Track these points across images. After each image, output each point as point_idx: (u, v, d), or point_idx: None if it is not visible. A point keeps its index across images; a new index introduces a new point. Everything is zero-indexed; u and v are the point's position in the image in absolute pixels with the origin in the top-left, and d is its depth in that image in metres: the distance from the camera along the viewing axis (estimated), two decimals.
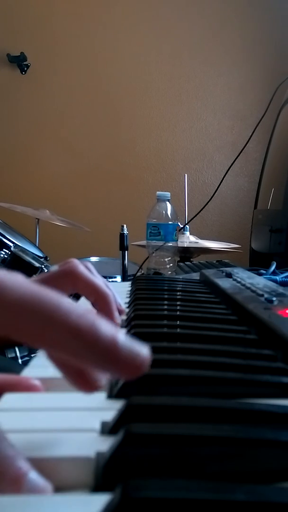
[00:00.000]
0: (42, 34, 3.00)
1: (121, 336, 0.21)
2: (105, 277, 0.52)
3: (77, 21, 3.01)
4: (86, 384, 0.24)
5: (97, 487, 0.21)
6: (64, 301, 0.21)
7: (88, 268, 0.49)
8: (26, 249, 1.70)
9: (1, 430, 0.21)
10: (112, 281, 1.58)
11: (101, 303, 0.48)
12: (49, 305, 0.21)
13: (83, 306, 0.21)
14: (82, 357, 0.21)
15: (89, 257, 2.10)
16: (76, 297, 0.57)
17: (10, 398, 0.29)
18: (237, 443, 0.22)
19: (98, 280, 0.48)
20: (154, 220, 1.10)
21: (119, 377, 0.21)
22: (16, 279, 0.21)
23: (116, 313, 0.50)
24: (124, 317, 0.53)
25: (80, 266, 0.48)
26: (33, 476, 0.21)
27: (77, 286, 0.48)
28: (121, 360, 0.20)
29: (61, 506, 0.19)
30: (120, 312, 0.53)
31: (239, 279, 0.67)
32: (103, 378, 0.25)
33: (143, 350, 0.21)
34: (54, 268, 0.49)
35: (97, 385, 0.24)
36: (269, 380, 0.31)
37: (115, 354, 0.20)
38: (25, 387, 0.31)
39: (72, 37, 3.01)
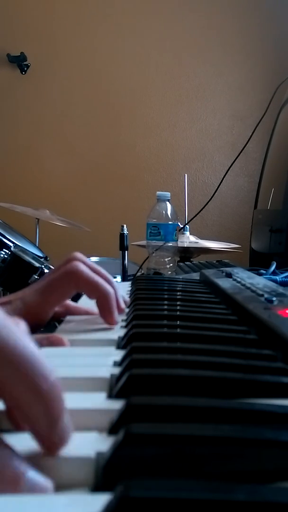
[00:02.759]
0: (42, 34, 3.01)
1: (64, 416, 0.22)
2: None
3: (77, 21, 3.01)
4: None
5: (97, 487, 0.21)
6: (39, 361, 0.22)
7: (89, 265, 0.50)
8: (26, 249, 1.70)
9: None
10: None
11: (102, 301, 0.49)
12: (26, 363, 0.22)
13: (52, 369, 0.23)
14: (30, 417, 0.22)
15: (89, 257, 2.10)
16: (77, 295, 0.58)
17: None
18: (237, 443, 0.22)
19: (99, 278, 0.48)
20: (154, 220, 1.10)
21: (42, 443, 0.23)
22: (17, 338, 0.22)
23: (115, 312, 0.50)
24: (124, 317, 0.53)
25: (81, 265, 0.48)
26: (32, 475, 0.20)
27: (79, 286, 0.48)
28: (56, 436, 0.22)
29: (61, 506, 0.19)
30: (125, 303, 0.53)
31: (239, 279, 0.67)
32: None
33: (68, 438, 0.23)
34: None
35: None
36: (269, 380, 0.31)
37: (54, 429, 0.22)
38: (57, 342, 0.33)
39: (72, 37, 3.01)
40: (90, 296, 0.49)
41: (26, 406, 0.22)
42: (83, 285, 0.48)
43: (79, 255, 0.51)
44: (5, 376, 0.21)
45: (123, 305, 0.52)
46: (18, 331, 0.22)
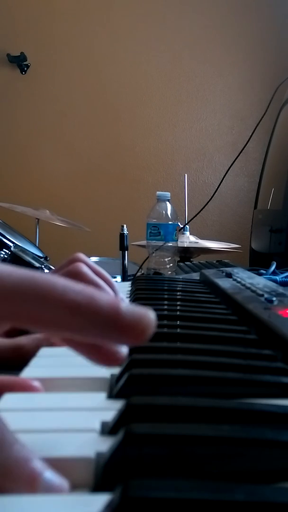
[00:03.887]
0: (42, 34, 3.00)
1: (122, 303, 0.20)
2: None
3: (77, 21, 3.01)
4: (106, 359, 0.24)
5: (97, 487, 0.21)
6: (59, 280, 0.21)
7: (91, 266, 0.50)
8: (26, 249, 1.70)
9: (11, 434, 0.21)
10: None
11: None
12: (45, 286, 0.20)
13: (80, 285, 0.21)
14: (86, 332, 0.20)
15: (89, 257, 2.09)
16: None
17: (9, 398, 0.29)
18: (237, 443, 0.22)
19: (101, 282, 0.48)
20: (154, 220, 1.10)
21: (127, 344, 0.21)
22: (7, 267, 0.21)
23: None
24: None
25: (83, 267, 0.48)
26: (49, 475, 0.20)
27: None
28: (125, 327, 0.20)
29: (61, 506, 0.19)
30: None
31: (239, 279, 0.67)
32: (122, 350, 0.24)
33: (146, 313, 0.21)
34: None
35: (117, 357, 0.24)
36: (269, 380, 0.31)
37: (118, 322, 0.20)
38: (23, 388, 0.31)
39: (72, 37, 3.01)
40: None
41: (71, 327, 0.20)
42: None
43: (82, 256, 0.51)
44: (22, 306, 0.20)
45: None
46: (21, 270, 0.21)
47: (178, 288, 0.70)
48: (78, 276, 0.48)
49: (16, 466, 0.20)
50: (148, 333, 0.20)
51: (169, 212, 1.11)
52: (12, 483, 0.20)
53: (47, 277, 0.21)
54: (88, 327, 0.20)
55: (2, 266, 0.21)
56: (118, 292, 0.52)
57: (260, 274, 0.82)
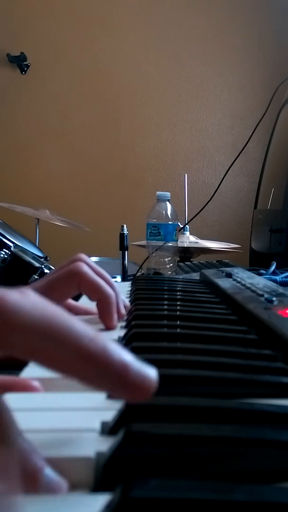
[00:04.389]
0: (42, 34, 3.01)
1: (132, 360, 0.21)
2: None
3: (77, 21, 3.01)
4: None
5: (97, 487, 0.21)
6: (75, 324, 0.21)
7: (92, 267, 0.50)
8: (26, 249, 1.70)
9: (16, 426, 0.21)
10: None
11: (103, 304, 0.49)
12: (62, 328, 0.21)
13: (93, 330, 0.21)
14: (93, 381, 0.21)
15: (89, 257, 2.09)
16: (78, 295, 0.58)
17: (9, 398, 0.29)
18: (237, 443, 0.22)
19: (101, 281, 0.49)
20: (154, 220, 1.10)
21: (127, 399, 0.21)
22: (30, 300, 0.21)
23: (115, 316, 0.50)
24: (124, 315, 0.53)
25: (84, 266, 0.49)
26: (49, 472, 0.21)
27: (81, 286, 0.48)
28: (132, 385, 0.20)
29: (61, 506, 0.19)
30: (125, 308, 0.53)
31: (239, 279, 0.67)
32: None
33: (151, 373, 0.21)
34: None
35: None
36: (269, 380, 0.31)
37: (126, 379, 0.20)
38: (23, 388, 0.31)
39: (72, 37, 3.01)
40: (92, 298, 0.49)
41: (79, 375, 0.21)
42: (85, 286, 0.48)
43: (83, 256, 0.51)
44: (37, 345, 0.20)
45: (123, 311, 0.52)
46: (45, 303, 0.22)
47: (178, 288, 0.70)
48: (78, 276, 0.48)
49: (18, 459, 0.20)
50: (150, 392, 0.21)
51: (169, 212, 1.11)
52: (13, 476, 0.20)
53: (65, 318, 0.21)
54: (95, 377, 0.21)
55: (28, 299, 0.21)
56: (119, 294, 0.52)
57: (260, 274, 0.82)
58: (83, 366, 0.20)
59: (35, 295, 0.22)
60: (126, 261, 1.43)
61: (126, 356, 0.21)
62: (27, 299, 0.21)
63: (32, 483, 0.20)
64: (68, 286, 0.49)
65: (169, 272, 1.10)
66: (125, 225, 1.42)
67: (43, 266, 1.64)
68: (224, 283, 0.65)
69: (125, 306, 0.53)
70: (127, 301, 0.55)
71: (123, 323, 0.51)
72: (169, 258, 1.11)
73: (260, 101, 2.81)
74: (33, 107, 3.02)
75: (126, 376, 0.20)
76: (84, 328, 0.21)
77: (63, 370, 0.21)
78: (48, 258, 1.87)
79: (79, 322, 0.21)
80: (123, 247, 1.42)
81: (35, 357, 0.21)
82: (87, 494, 0.21)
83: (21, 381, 0.32)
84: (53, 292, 0.49)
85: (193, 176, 3.02)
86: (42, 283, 0.50)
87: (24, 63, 2.98)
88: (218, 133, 3.08)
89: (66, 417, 0.27)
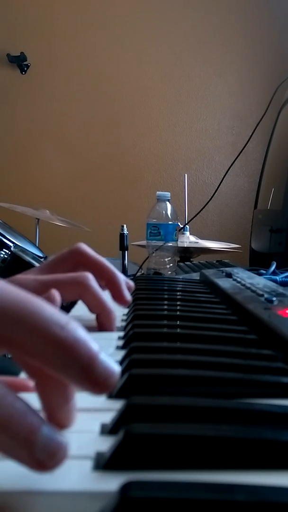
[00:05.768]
0: (42, 34, 3.00)
1: (98, 354, 0.21)
2: None
3: (77, 21, 3.01)
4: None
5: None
6: (47, 310, 0.21)
7: (91, 255, 0.51)
8: (26, 249, 1.70)
9: (4, 383, 0.21)
10: None
11: (103, 319, 0.48)
12: (33, 314, 0.20)
13: (65, 316, 0.21)
14: (59, 370, 0.21)
15: None
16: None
17: None
18: (237, 443, 0.22)
19: (104, 297, 0.48)
20: (154, 220, 1.10)
21: (89, 391, 0.21)
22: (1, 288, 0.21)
23: (126, 291, 0.50)
24: (124, 317, 0.53)
25: (85, 246, 0.49)
26: (47, 430, 0.20)
27: (83, 298, 0.47)
28: (95, 380, 0.20)
29: (61, 505, 0.19)
30: (129, 288, 0.53)
31: (239, 279, 0.67)
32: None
33: (115, 370, 0.21)
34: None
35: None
36: (269, 380, 0.31)
37: (92, 374, 0.20)
38: (22, 389, 0.31)
39: (72, 37, 3.01)
40: (92, 311, 0.49)
41: (48, 361, 0.21)
42: (88, 299, 0.47)
43: (83, 246, 0.51)
44: (8, 331, 0.20)
45: (128, 297, 0.51)
46: (14, 288, 0.22)
47: (178, 288, 0.70)
48: (80, 254, 0.49)
49: (9, 422, 0.19)
50: (111, 389, 0.21)
51: (169, 212, 1.11)
52: (11, 437, 0.19)
53: (36, 304, 0.21)
54: (61, 367, 0.20)
55: (7, 289, 0.21)
56: (121, 277, 0.51)
57: (260, 274, 0.82)
58: (52, 353, 0.20)
59: (4, 283, 0.22)
60: (126, 261, 1.43)
61: (94, 349, 0.21)
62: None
63: (30, 447, 0.19)
64: (68, 293, 0.47)
65: (169, 272, 1.10)
66: (125, 225, 1.42)
67: None
68: (224, 283, 0.65)
69: (129, 287, 0.52)
70: (130, 282, 0.54)
71: (123, 323, 0.51)
72: (169, 258, 1.11)
73: (260, 101, 2.81)
74: (33, 107, 3.02)
75: (92, 371, 0.20)
76: (56, 314, 0.21)
77: (33, 357, 0.21)
78: (48, 258, 1.87)
79: (51, 308, 0.21)
80: (123, 247, 1.42)
81: (5, 344, 0.20)
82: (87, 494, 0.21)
83: (18, 381, 0.32)
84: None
85: (193, 176, 3.02)
86: (44, 278, 0.48)
87: (24, 63, 2.98)
88: (218, 133, 3.08)
89: None
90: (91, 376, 0.20)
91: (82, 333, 0.21)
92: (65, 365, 0.20)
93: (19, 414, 0.20)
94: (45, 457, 0.19)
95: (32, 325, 0.20)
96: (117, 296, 0.50)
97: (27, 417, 0.20)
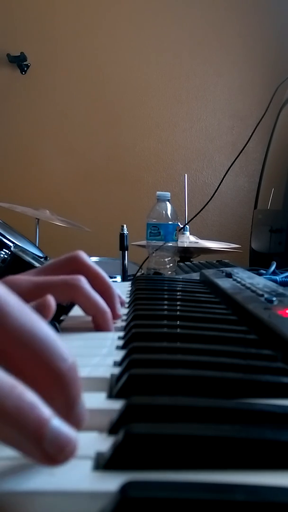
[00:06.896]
0: (42, 34, 3.01)
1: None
2: None
3: (77, 21, 3.01)
4: None
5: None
6: None
7: (89, 265, 0.50)
8: (26, 249, 1.70)
9: (7, 376, 0.20)
10: (112, 281, 1.57)
11: (98, 320, 0.48)
12: None
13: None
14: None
15: (89, 257, 2.09)
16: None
17: None
18: (237, 443, 0.22)
19: (98, 297, 0.48)
20: (154, 220, 1.10)
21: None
22: None
23: (118, 305, 0.50)
24: (124, 317, 0.53)
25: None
26: (57, 423, 0.20)
27: (76, 300, 0.48)
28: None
29: (61, 505, 0.19)
30: (121, 303, 0.53)
31: (239, 279, 0.67)
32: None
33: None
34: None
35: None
36: (269, 380, 0.31)
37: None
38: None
39: (72, 37, 3.01)
40: (87, 313, 0.49)
41: (45, 387, 0.21)
42: (81, 301, 0.47)
43: (81, 253, 0.51)
44: (24, 357, 0.21)
45: (119, 312, 0.52)
46: (34, 314, 0.22)
47: (178, 288, 0.70)
48: (77, 262, 0.49)
49: (18, 414, 0.19)
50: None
51: (169, 212, 1.11)
52: (20, 430, 0.19)
53: (57, 349, 0.22)
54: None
55: (30, 317, 0.22)
56: (115, 294, 0.51)
57: (260, 274, 0.82)
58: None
59: None
60: (126, 261, 1.43)
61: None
62: None
63: (39, 439, 0.19)
64: (61, 295, 0.46)
65: (169, 272, 1.10)
66: (125, 225, 1.42)
67: None
68: (224, 283, 0.65)
69: (121, 303, 0.53)
70: (123, 297, 0.55)
71: (123, 323, 0.51)
72: (169, 258, 1.11)
73: (260, 101, 2.81)
74: (33, 107, 3.02)
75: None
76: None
77: (31, 383, 0.20)
78: (48, 258, 1.87)
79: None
80: (123, 247, 1.42)
81: None
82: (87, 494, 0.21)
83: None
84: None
85: (193, 176, 3.02)
86: (37, 280, 0.48)
87: (24, 63, 2.98)
88: (218, 133, 3.08)
89: None
90: (70, 413, 0.20)
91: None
92: (56, 396, 0.20)
93: (28, 407, 0.19)
94: (53, 451, 0.19)
95: (43, 355, 0.21)
96: (109, 309, 0.50)
97: (36, 409, 0.19)
